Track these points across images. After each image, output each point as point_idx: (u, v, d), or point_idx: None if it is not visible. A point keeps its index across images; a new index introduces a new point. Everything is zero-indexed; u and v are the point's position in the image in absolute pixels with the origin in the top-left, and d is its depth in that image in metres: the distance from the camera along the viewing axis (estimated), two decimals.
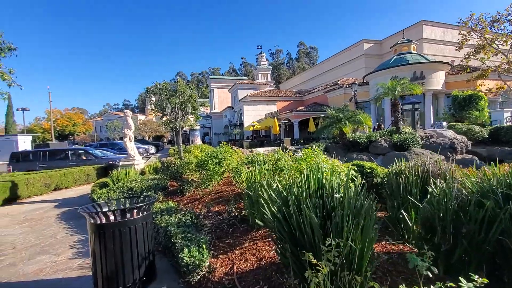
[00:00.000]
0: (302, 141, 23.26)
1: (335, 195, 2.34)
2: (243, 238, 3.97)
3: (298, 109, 26.91)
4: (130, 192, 6.60)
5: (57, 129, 45.97)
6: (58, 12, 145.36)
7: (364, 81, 24.16)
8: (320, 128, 13.71)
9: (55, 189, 10.46)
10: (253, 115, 33.79)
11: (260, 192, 3.65)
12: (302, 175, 2.79)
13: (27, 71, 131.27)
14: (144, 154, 22.04)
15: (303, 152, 4.71)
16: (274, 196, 2.84)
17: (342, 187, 2.46)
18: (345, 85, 25.01)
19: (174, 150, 19.34)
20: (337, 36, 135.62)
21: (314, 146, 6.29)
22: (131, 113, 9.10)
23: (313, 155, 4.51)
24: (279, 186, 2.97)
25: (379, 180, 4.89)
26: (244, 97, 34.44)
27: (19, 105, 56.04)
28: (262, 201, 3.30)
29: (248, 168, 5.41)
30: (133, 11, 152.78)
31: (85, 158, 13.61)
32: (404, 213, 3.29)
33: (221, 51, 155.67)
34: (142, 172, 8.84)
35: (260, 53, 50.18)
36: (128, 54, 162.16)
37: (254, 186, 4.16)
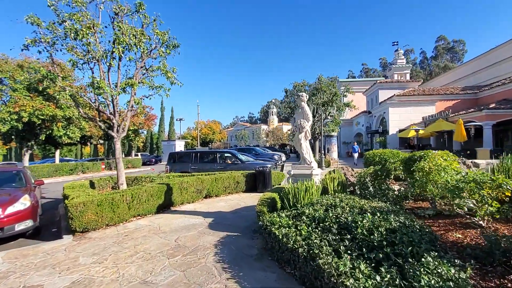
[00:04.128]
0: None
1: None
2: None
3: (491, 106, 18.13)
4: (344, 234, 3.21)
5: (201, 137, 53.64)
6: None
7: None
8: None
9: (205, 197, 8.91)
10: (401, 119, 26.60)
11: None
12: None
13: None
14: (279, 162, 20.00)
15: None
16: None
17: None
18: None
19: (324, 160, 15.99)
20: (488, 26, 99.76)
21: None
22: (307, 96, 6.13)
23: None
24: None
25: None
26: (389, 97, 27.81)
27: (177, 115, 70.17)
28: None
29: None
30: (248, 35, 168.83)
31: (230, 162, 12.22)
32: None
33: (337, 57, 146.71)
34: (324, 189, 5.58)
35: (397, 50, 41.37)
36: (250, 73, 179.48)
37: None
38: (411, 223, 3.06)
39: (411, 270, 2.24)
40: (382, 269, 2.33)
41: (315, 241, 3.15)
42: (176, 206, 7.85)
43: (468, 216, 3.63)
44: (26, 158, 21.41)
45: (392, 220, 3.12)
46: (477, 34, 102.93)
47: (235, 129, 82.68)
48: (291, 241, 3.32)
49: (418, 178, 4.04)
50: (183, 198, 7.94)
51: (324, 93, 18.87)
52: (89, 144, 34.73)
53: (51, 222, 7.25)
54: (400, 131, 24.68)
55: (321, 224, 3.58)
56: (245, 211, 6.99)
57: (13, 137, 20.59)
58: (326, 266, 2.58)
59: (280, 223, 3.96)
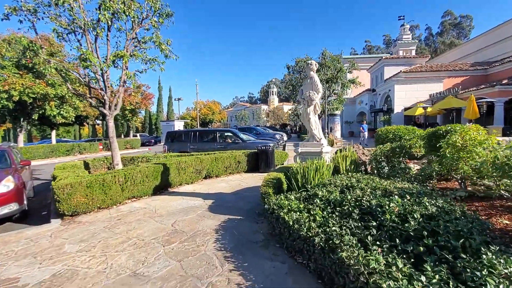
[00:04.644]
0: None
1: None
2: None
3: (504, 82, 17.25)
4: (368, 220, 2.70)
5: (201, 117, 52.74)
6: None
7: None
8: None
9: (205, 177, 8.45)
10: (407, 97, 25.72)
11: None
12: None
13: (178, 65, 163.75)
14: (281, 141, 19.45)
15: None
16: None
17: None
18: None
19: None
20: (496, 0, 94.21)
21: None
22: (317, 65, 5.42)
23: None
24: None
25: None
26: (395, 74, 26.75)
27: (175, 95, 68.77)
28: None
29: None
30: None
31: (231, 141, 11.66)
32: None
33: (337, 34, 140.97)
34: (336, 169, 5.03)
35: (403, 25, 39.21)
36: (249, 54, 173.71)
37: None
38: (451, 208, 2.54)
39: (467, 270, 1.73)
40: (427, 267, 1.83)
41: (334, 228, 2.65)
42: (174, 187, 7.40)
43: None
44: (21, 138, 20.85)
45: (427, 203, 2.60)
46: (484, 9, 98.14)
47: (234, 110, 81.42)
48: (304, 228, 2.83)
49: (448, 155, 3.49)
50: (181, 179, 7.47)
51: (329, 68, 17.88)
52: (86, 124, 34.01)
53: (44, 205, 6.83)
54: (406, 109, 23.91)
55: (338, 208, 3.08)
56: (248, 192, 6.53)
57: (7, 117, 19.89)
58: (351, 262, 2.08)
59: (289, 207, 3.46)
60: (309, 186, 4.22)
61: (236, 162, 9.02)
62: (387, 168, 4.72)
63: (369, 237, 2.32)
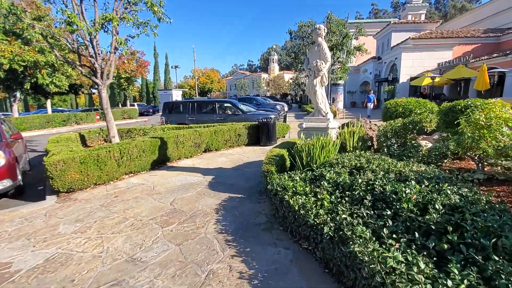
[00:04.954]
0: None
1: None
2: None
3: None
4: (381, 208, 2.48)
5: (199, 86, 51.29)
6: None
7: None
8: None
9: (205, 151, 8.23)
10: (414, 66, 24.66)
11: None
12: None
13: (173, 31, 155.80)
14: (282, 112, 18.97)
15: None
16: None
17: None
18: None
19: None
20: None
21: None
22: (325, 30, 4.84)
23: None
24: None
25: None
26: (403, 41, 25.33)
27: (172, 63, 66.28)
28: None
29: None
30: None
31: (231, 112, 11.26)
32: None
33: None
34: (342, 146, 4.73)
35: None
36: (249, 19, 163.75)
37: None
38: (476, 197, 2.30)
39: (502, 276, 1.53)
40: (454, 270, 1.63)
41: (344, 216, 2.44)
42: (173, 161, 7.19)
43: None
44: (15, 108, 20.34)
45: (448, 191, 2.36)
46: None
47: (234, 78, 79.01)
48: (311, 215, 2.63)
49: (469, 134, 3.19)
50: (179, 153, 7.24)
51: (334, 34, 16.73)
52: (81, 94, 33.09)
53: (40, 179, 6.66)
54: (412, 79, 23.03)
55: (347, 193, 2.85)
56: (249, 168, 6.34)
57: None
58: (366, 258, 1.88)
59: (294, 189, 3.24)
60: (315, 166, 3.97)
61: (236, 135, 8.73)
62: (397, 145, 4.44)
63: (384, 229, 2.11)
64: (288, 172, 4.02)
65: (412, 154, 3.82)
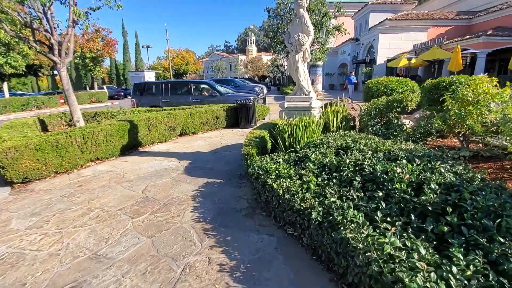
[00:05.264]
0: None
1: None
2: None
3: (489, 33, 16.88)
4: (372, 189, 2.31)
5: (174, 67, 48.84)
6: None
7: None
8: None
9: (181, 134, 7.74)
10: (391, 48, 25.03)
11: None
12: None
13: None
14: (261, 94, 18.55)
15: None
16: None
17: None
18: None
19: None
20: None
21: None
22: (308, 1, 4.45)
23: None
24: None
25: None
26: (381, 22, 25.38)
27: (143, 43, 62.12)
28: None
29: None
30: None
31: (208, 94, 10.70)
32: None
33: None
34: (325, 126, 4.53)
35: None
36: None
37: None
38: (470, 175, 2.18)
39: (510, 259, 1.39)
40: (457, 254, 1.47)
41: (333, 199, 2.23)
42: (146, 146, 6.68)
43: None
44: None
45: (442, 169, 2.21)
46: None
47: (210, 60, 76.21)
48: (297, 199, 2.41)
49: (456, 110, 3.09)
50: (152, 137, 6.72)
51: (313, 12, 16.24)
52: (42, 75, 30.20)
53: None
54: (389, 60, 23.38)
55: (335, 174, 2.65)
56: (228, 151, 6.02)
57: None
58: (360, 245, 1.69)
59: (277, 172, 2.99)
60: (298, 147, 3.74)
61: (214, 117, 8.29)
62: (380, 124, 4.32)
63: (378, 212, 1.92)
64: (270, 154, 3.77)
65: (397, 132, 3.71)
